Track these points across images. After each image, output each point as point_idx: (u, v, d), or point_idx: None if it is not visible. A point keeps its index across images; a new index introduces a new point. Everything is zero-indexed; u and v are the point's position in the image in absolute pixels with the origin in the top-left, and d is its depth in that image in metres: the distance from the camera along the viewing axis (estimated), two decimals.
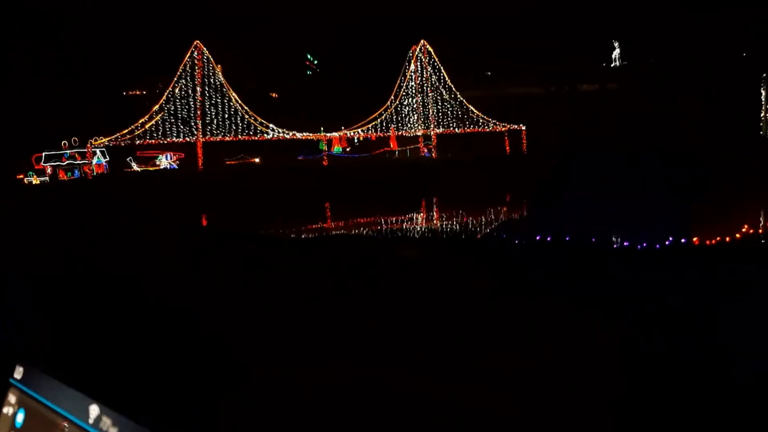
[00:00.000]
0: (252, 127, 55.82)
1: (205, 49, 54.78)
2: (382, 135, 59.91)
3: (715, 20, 66.11)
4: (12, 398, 2.24)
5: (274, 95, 64.49)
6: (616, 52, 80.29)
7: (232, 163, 57.06)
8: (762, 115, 61.93)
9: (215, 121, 55.27)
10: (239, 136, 55.52)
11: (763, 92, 61.63)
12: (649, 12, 72.90)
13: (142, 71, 58.70)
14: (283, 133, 56.12)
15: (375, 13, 61.25)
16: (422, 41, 58.82)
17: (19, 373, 2.26)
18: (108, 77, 58.92)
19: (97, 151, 54.12)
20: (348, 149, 62.14)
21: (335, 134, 58.52)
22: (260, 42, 58.95)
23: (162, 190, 44.39)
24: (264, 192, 42.15)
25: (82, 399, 2.03)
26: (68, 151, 53.60)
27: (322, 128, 58.32)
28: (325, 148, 59.26)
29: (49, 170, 53.28)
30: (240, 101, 55.62)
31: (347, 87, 61.25)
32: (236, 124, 55.64)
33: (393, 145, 61.52)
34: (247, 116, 55.69)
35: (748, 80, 63.22)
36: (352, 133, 58.95)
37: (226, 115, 55.44)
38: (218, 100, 55.19)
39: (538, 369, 2.32)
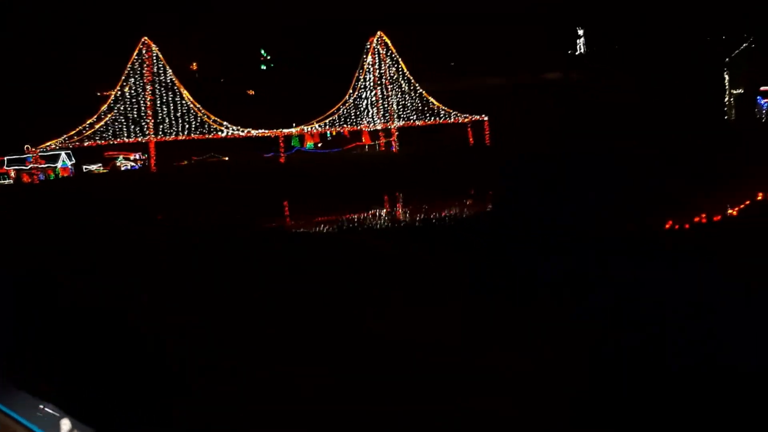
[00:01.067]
0: (206, 126, 54.15)
1: (153, 45, 52.94)
2: (354, 129, 58.91)
3: (678, 5, 65.57)
4: None
5: (250, 92, 62.96)
6: (581, 40, 79.44)
7: (196, 159, 56.25)
8: (726, 99, 61.33)
9: (167, 120, 53.52)
10: (192, 135, 53.83)
11: (727, 77, 61.01)
12: None
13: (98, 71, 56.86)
14: (238, 131, 54.50)
15: (332, 4, 59.76)
16: (378, 32, 57.39)
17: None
18: (58, 79, 57.30)
19: (63, 154, 53.33)
20: (320, 145, 61.07)
21: (305, 129, 57.05)
22: (212, 37, 57.06)
23: (131, 191, 43.46)
24: (228, 191, 41.28)
25: (53, 414, 2.06)
26: (31, 155, 52.65)
27: (294, 124, 56.98)
28: (300, 144, 58.47)
29: (12, 174, 52.45)
30: (192, 99, 53.90)
31: (303, 81, 59.65)
32: (189, 123, 53.93)
33: (365, 139, 60.37)
34: (200, 114, 54.00)
35: (711, 65, 62.55)
36: (317, 129, 57.44)
37: (179, 114, 53.70)
38: (170, 99, 53.42)
39: None
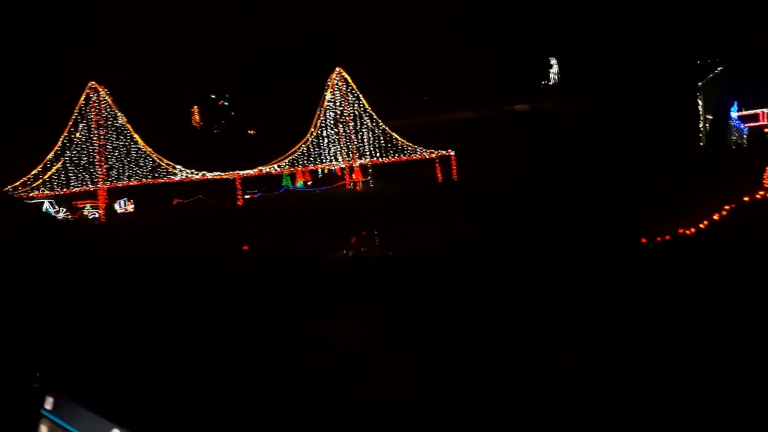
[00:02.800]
0: (159, 169, 51.96)
1: (101, 89, 51.01)
2: (347, 166, 57.20)
3: (649, 31, 64.50)
4: (44, 429, 2.40)
5: (251, 132, 61.13)
6: (554, 69, 78.06)
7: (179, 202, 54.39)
8: (701, 125, 59.46)
9: (118, 166, 51.35)
10: (144, 180, 51.56)
11: (700, 102, 59.25)
12: (583, 26, 71.09)
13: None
14: (192, 173, 52.22)
15: (292, 41, 58.10)
16: (337, 69, 55.52)
17: (49, 403, 2.42)
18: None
19: (46, 202, 51.50)
20: (310, 183, 59.41)
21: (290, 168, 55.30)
22: (165, 80, 55.21)
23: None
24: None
25: (104, 425, 2.18)
26: None
27: (284, 163, 55.11)
28: (292, 183, 57.50)
29: None
30: (143, 143, 51.79)
31: (261, 122, 57.71)
32: (140, 167, 51.75)
33: (357, 176, 58.50)
34: (154, 157, 51.87)
35: (685, 92, 61.00)
36: (290, 167, 55.33)
37: (131, 158, 51.56)
38: (120, 143, 51.32)
39: None
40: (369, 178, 59.16)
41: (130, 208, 52.90)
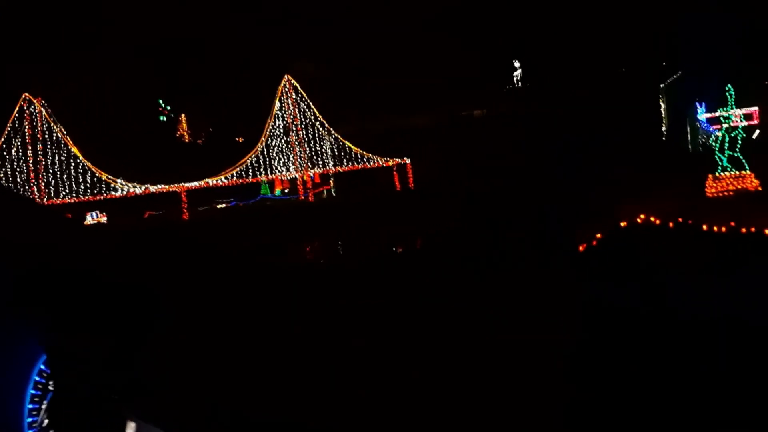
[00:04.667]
0: (100, 184, 49.67)
1: (37, 102, 48.60)
2: (325, 172, 55.67)
3: (612, 33, 63.52)
4: None
5: (240, 139, 59.03)
6: (518, 72, 76.61)
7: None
8: (663, 128, 58.30)
9: (55, 182, 49.02)
10: (83, 197, 49.24)
11: (663, 105, 58.07)
12: (546, 28, 69.84)
13: None
14: (135, 188, 49.98)
15: (241, 46, 56.08)
16: (286, 76, 53.47)
17: (131, 428, 2.38)
18: None
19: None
20: (287, 191, 57.45)
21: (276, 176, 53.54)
22: (108, 89, 52.94)
23: None
24: None
25: None
26: None
27: (260, 171, 53.13)
28: (270, 191, 55.65)
29: None
30: (82, 156, 49.48)
31: (207, 131, 55.59)
32: (80, 182, 49.44)
33: (310, 185, 56.67)
34: (94, 171, 49.58)
35: (647, 93, 59.95)
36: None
37: (69, 173, 49.25)
38: (58, 158, 48.98)
39: None
40: (329, 187, 57.44)
41: (103, 220, 50.96)
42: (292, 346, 2.47)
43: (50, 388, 2.65)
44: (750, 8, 53.16)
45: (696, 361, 2.08)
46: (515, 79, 75.80)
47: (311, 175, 54.66)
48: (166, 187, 50.56)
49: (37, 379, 2.95)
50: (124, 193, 49.92)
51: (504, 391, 2.05)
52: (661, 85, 59.39)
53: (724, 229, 20.51)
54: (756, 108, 46.87)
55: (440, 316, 2.70)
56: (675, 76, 57.64)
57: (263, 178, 53.91)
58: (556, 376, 2.06)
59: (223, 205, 54.92)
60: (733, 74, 50.10)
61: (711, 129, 60.67)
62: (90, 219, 51.04)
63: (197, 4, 57.73)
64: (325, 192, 57.82)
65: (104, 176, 49.56)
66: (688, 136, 53.73)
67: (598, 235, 21.23)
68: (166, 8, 56.39)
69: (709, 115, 38.45)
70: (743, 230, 20.15)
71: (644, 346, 2.18)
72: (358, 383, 2.22)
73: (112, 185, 50.05)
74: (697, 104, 56.93)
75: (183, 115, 60.63)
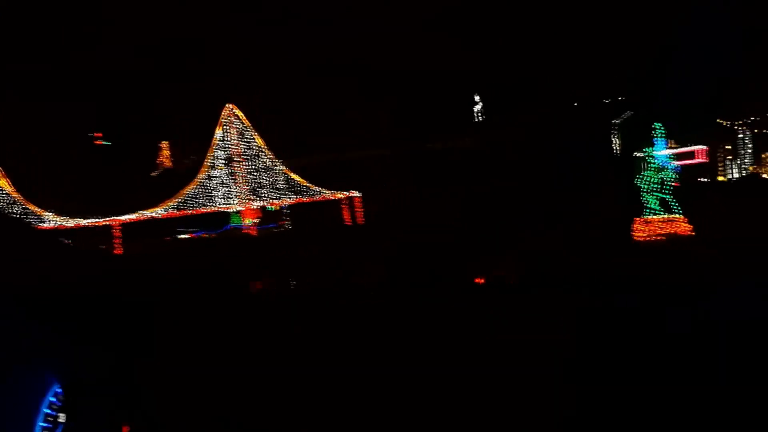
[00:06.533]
0: (28, 216, 47.38)
1: None
2: (272, 205, 53.89)
3: (565, 67, 63.20)
4: None
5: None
6: (478, 107, 75.82)
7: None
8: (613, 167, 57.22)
9: None
10: None
11: (615, 140, 57.19)
12: (503, 61, 69.28)
13: None
14: (65, 221, 47.79)
15: (185, 74, 54.53)
16: (229, 105, 51.87)
17: None
18: None
19: None
20: (257, 220, 55.19)
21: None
22: (40, 118, 51.03)
23: None
24: None
25: None
26: None
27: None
28: (242, 220, 53.25)
29: None
30: (12, 186, 47.38)
31: (145, 161, 53.74)
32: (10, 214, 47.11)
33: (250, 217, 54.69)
34: (21, 202, 47.42)
35: (600, 129, 59.18)
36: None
37: None
38: None
39: None
40: (285, 220, 55.66)
41: None
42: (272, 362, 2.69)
43: (60, 420, 2.73)
44: (703, 49, 52.69)
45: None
46: (475, 113, 75.14)
47: (252, 208, 52.80)
48: (99, 221, 48.43)
49: (47, 411, 3.07)
50: (54, 225, 47.66)
51: None
52: (615, 121, 58.66)
53: None
54: (703, 146, 45.30)
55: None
56: (628, 113, 56.95)
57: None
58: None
59: (188, 236, 52.76)
60: (682, 111, 49.36)
61: (673, 166, 59.95)
62: None
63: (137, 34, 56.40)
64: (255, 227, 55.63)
65: (33, 208, 47.42)
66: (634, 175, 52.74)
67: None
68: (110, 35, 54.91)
69: (639, 153, 37.13)
70: None
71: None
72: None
73: (43, 217, 47.90)
74: (653, 142, 56.25)
75: (165, 143, 59.14)
